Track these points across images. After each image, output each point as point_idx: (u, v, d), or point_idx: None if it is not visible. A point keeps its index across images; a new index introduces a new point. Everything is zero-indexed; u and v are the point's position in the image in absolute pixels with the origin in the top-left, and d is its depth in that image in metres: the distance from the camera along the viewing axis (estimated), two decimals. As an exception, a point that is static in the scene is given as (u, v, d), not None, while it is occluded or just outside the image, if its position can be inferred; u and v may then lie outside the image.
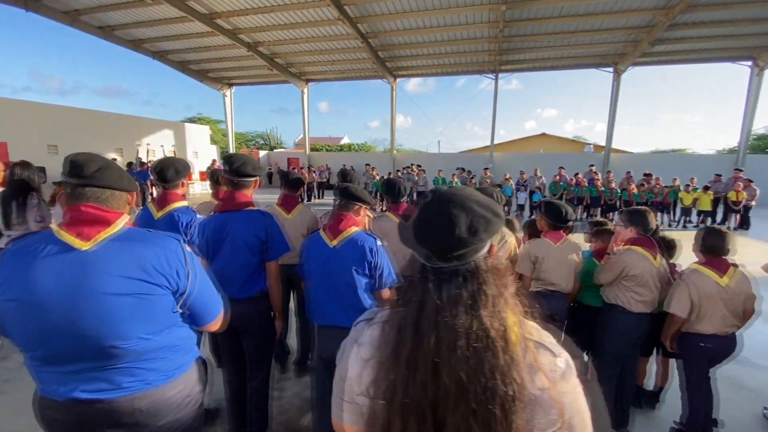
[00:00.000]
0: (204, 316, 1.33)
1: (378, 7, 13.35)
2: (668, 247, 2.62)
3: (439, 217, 0.74)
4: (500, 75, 18.94)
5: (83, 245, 1.10)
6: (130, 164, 12.13)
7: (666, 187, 11.00)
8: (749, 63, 16.22)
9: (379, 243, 1.88)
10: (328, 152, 28.97)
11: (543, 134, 27.89)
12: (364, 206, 1.97)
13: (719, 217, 11.10)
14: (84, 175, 1.15)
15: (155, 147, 15.04)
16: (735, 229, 10.25)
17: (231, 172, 1.94)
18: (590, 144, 25.38)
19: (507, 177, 11.71)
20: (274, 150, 29.23)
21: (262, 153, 22.96)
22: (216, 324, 1.39)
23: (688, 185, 10.78)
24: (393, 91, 20.47)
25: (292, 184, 2.99)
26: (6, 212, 3.23)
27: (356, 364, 0.81)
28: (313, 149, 31.94)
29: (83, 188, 1.16)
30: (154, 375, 1.22)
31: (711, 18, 13.22)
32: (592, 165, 13.17)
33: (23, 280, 1.06)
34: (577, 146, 26.28)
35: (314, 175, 16.21)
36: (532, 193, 11.49)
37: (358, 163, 21.76)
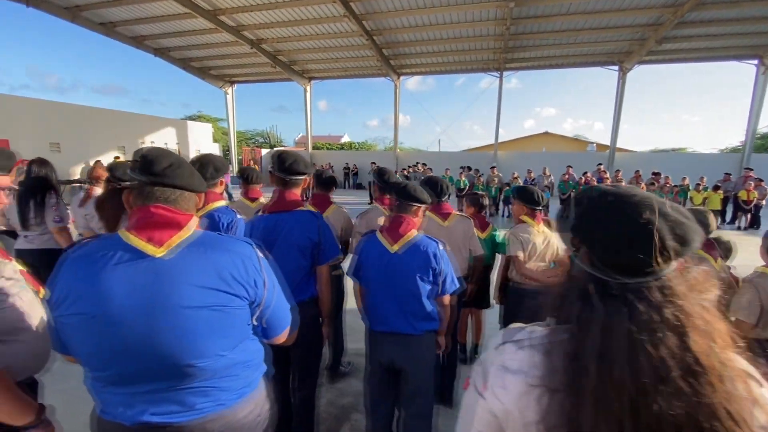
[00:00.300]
0: (276, 328, 1.21)
1: (384, 4, 13.22)
2: (724, 249, 2.51)
3: (632, 225, 0.62)
4: (503, 73, 18.84)
5: (156, 251, 0.98)
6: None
7: (676, 186, 10.93)
8: (755, 62, 16.18)
9: (441, 247, 1.77)
10: (330, 150, 28.79)
11: (546, 133, 27.81)
12: (423, 207, 1.85)
13: (729, 216, 11.05)
14: (155, 172, 1.03)
15: (158, 145, 14.84)
16: (745, 228, 10.18)
17: (282, 170, 1.82)
18: (593, 143, 25.33)
19: (515, 176, 11.61)
20: (275, 148, 29.05)
21: (264, 151, 22.77)
22: (284, 336, 1.27)
23: (698, 184, 10.71)
24: (396, 89, 20.35)
25: (325, 183, 2.86)
26: (23, 211, 3.09)
27: (509, 394, 0.69)
28: (314, 148, 31.77)
29: (152, 187, 1.04)
30: (227, 395, 1.10)
31: (718, 16, 13.15)
32: (600, 164, 13.10)
33: (92, 292, 0.93)
34: (579, 145, 26.23)
35: (319, 173, 15.99)
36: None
37: (361, 161, 21.70)
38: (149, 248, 0.98)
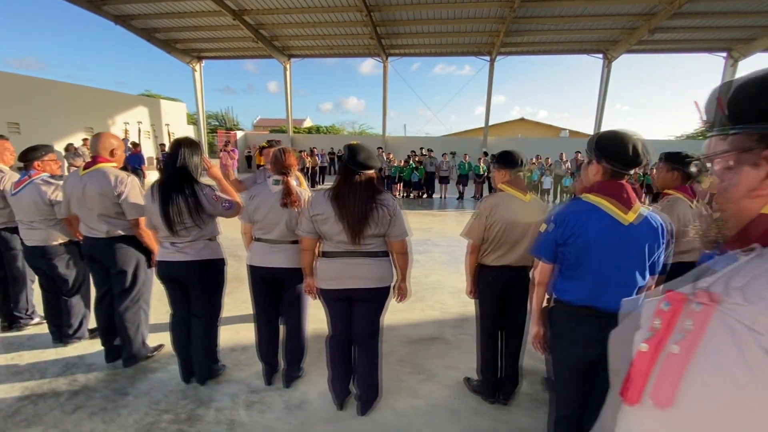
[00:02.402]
0: None
1: (393, -24, 12.38)
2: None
3: None
4: (483, 58, 18.68)
5: None
6: (119, 146, 10.22)
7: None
8: (724, 54, 17.41)
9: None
10: (311, 135, 27.24)
11: (521, 119, 28.56)
12: None
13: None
14: None
15: (132, 125, 12.87)
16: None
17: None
18: (565, 129, 26.36)
19: (533, 161, 11.54)
20: (230, 131, 26.81)
21: (239, 134, 20.99)
22: None
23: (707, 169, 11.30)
24: (385, 69, 19.53)
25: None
26: (169, 212, 2.23)
27: None
28: (278, 131, 29.97)
29: None
30: None
31: (704, 9, 13.80)
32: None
33: None
34: (552, 131, 27.22)
35: (317, 159, 14.97)
36: (561, 177, 11.41)
37: (344, 145, 20.66)
38: None
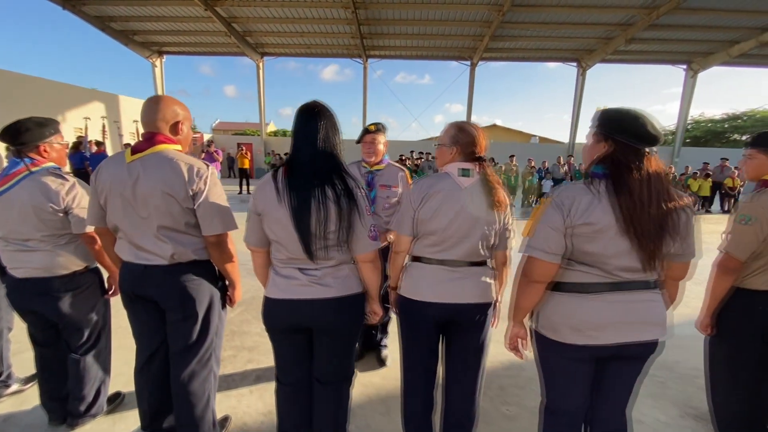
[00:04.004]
0: None
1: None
2: None
3: None
4: (478, 63, 18.61)
5: None
6: (77, 145, 8.61)
7: (682, 174, 11.76)
8: (684, 66, 18.48)
9: None
10: (288, 138, 25.81)
11: (494, 125, 29.04)
12: None
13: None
14: None
15: (95, 122, 11.04)
16: (730, 212, 11.37)
17: None
18: (536, 135, 27.09)
19: (532, 165, 11.31)
20: (196, 134, 24.82)
21: (206, 137, 19.31)
22: None
23: (695, 173, 11.63)
24: (365, 72, 18.82)
25: None
26: (308, 219, 1.35)
27: None
28: (241, 134, 28.34)
29: None
30: None
31: (679, 22, 14.43)
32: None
33: None
34: (524, 137, 27.97)
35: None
36: (560, 180, 11.26)
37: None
38: None
